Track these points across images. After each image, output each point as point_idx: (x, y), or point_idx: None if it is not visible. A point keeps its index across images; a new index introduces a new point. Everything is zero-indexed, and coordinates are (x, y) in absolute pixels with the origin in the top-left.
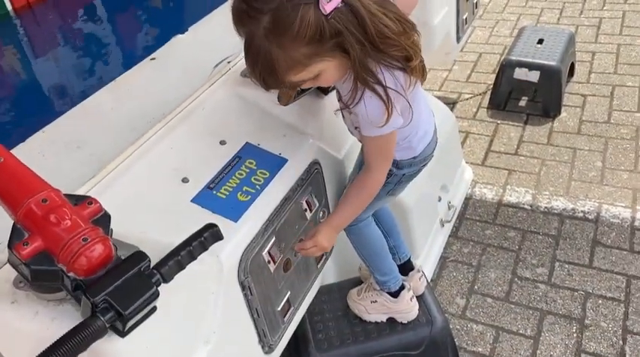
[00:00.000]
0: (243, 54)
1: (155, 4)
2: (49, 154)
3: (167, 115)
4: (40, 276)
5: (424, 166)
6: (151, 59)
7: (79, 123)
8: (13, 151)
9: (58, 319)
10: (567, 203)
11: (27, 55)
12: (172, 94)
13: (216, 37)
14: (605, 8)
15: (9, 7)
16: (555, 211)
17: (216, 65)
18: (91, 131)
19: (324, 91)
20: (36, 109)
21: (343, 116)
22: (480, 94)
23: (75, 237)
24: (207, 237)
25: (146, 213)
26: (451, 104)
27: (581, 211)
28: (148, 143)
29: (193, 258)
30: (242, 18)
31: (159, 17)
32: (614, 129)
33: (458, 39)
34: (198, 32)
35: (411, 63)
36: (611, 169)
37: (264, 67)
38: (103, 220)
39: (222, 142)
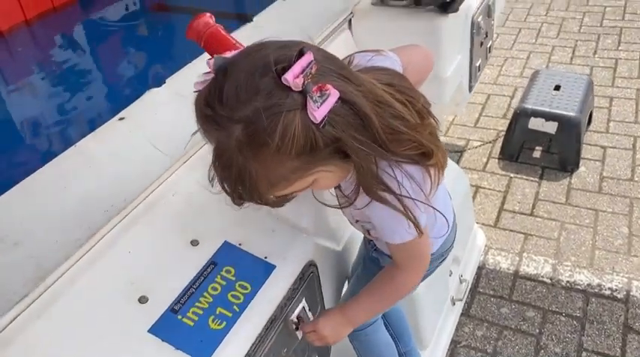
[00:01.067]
0: None
1: (141, 32)
2: None
3: (128, 204)
4: None
5: (443, 261)
6: (120, 119)
7: (18, 209)
8: None
9: None
10: (592, 277)
11: None
12: (139, 171)
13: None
14: (620, 48)
15: None
16: (579, 287)
17: (195, 133)
18: (33, 222)
19: None
20: None
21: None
22: (490, 142)
23: None
24: None
25: (90, 350)
26: (459, 153)
27: (609, 288)
28: (101, 244)
29: None
30: (207, 125)
31: (142, 47)
32: (639, 188)
33: (470, 88)
34: (176, 85)
35: (430, 161)
36: (639, 237)
37: (239, 183)
38: None
39: (194, 243)
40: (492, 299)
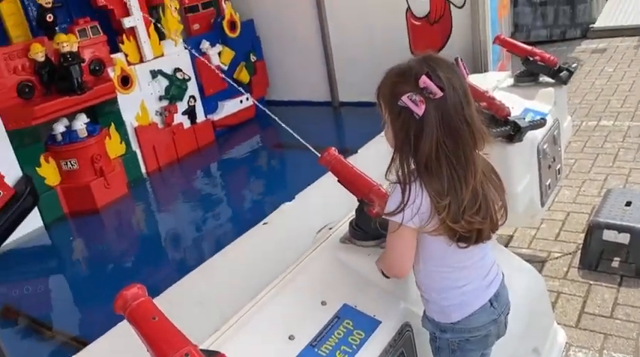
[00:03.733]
0: (342, 221)
1: (266, 163)
2: (177, 309)
3: (277, 277)
4: None
5: (484, 337)
6: (264, 224)
7: (201, 282)
8: None
9: None
10: None
11: (154, 211)
12: (282, 257)
13: (318, 205)
14: None
15: (143, 170)
16: None
17: (319, 231)
18: (212, 290)
19: None
20: (163, 264)
21: None
22: (570, 254)
23: None
24: None
25: None
26: (540, 263)
27: None
28: (260, 303)
29: None
30: None
31: (267, 179)
32: None
33: (542, 203)
34: (303, 200)
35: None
36: None
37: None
38: None
39: (324, 303)
40: None
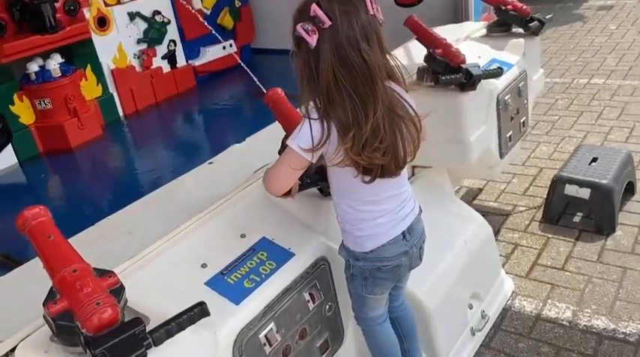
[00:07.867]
0: None
1: (243, 117)
2: (107, 236)
3: (204, 210)
4: (62, 330)
5: (395, 267)
6: (209, 163)
7: (136, 213)
8: (82, 234)
9: None
10: (608, 323)
11: (126, 152)
12: (218, 194)
13: (266, 147)
14: None
15: (120, 113)
16: (594, 330)
17: (257, 170)
18: (144, 221)
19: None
20: (128, 200)
21: None
22: (535, 208)
23: (91, 300)
24: (196, 312)
25: (166, 290)
26: (504, 216)
27: (622, 333)
28: (182, 234)
29: (182, 329)
30: None
31: (244, 126)
32: None
33: (501, 155)
34: (252, 142)
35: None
36: None
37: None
38: (118, 290)
39: (243, 236)
40: (512, 335)
